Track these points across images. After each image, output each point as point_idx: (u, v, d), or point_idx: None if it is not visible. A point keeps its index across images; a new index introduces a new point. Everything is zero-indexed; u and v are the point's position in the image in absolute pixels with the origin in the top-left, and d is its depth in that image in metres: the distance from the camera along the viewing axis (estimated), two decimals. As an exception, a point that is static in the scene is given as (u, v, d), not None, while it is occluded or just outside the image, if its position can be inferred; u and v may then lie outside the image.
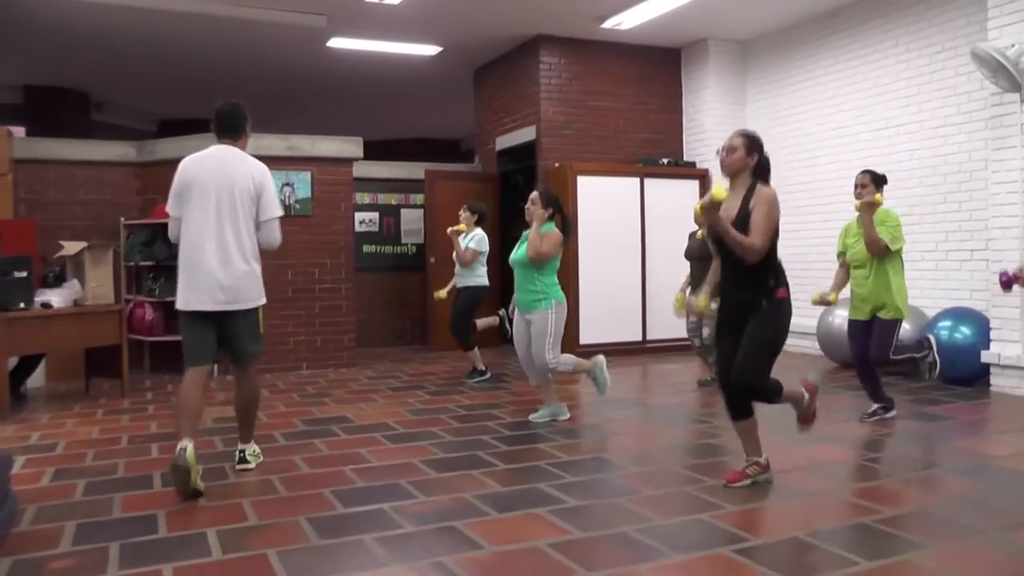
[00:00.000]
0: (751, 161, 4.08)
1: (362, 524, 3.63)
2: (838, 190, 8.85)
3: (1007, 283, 3.80)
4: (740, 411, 4.19)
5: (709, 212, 3.85)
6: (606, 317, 9.39)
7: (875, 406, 5.80)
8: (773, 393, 4.12)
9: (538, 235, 5.72)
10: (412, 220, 10.86)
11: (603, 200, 9.36)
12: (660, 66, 10.49)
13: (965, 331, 7.13)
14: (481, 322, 7.88)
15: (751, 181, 4.08)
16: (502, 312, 8.00)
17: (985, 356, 6.97)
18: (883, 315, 5.61)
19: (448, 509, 3.84)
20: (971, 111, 7.63)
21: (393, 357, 9.67)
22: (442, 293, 7.92)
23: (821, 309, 8.37)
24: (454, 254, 7.71)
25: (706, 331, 7.01)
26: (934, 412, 6.12)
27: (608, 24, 9.27)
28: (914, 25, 8.28)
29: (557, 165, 9.56)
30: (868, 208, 5.54)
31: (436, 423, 5.84)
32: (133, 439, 5.50)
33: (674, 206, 9.22)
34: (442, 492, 4.11)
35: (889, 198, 8.30)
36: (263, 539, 3.46)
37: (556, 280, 5.88)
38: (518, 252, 5.90)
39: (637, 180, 9.68)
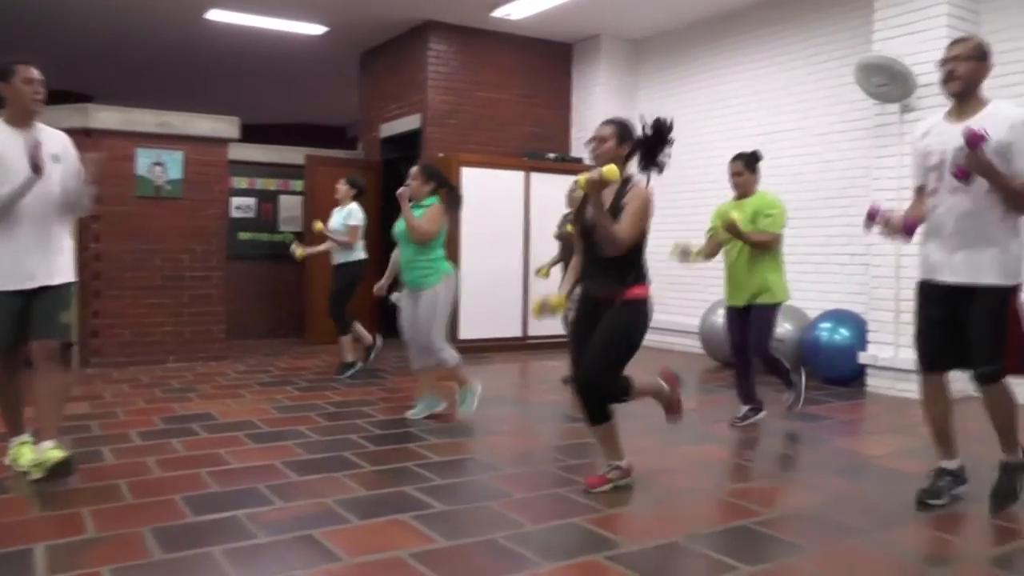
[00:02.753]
0: (623, 151, 3.89)
1: (212, 535, 3.31)
2: (728, 193, 8.84)
3: (871, 216, 3.74)
4: (596, 414, 3.96)
5: (594, 186, 3.63)
6: (487, 312, 9.17)
7: (745, 408, 5.61)
8: (622, 393, 3.93)
9: (412, 217, 5.46)
10: (291, 207, 10.42)
11: (487, 193, 9.12)
12: (551, 60, 10.34)
13: (844, 333, 7.20)
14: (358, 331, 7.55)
15: (625, 175, 3.89)
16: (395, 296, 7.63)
17: (862, 357, 7.06)
18: (762, 300, 5.39)
19: (307, 516, 3.55)
20: (855, 119, 7.74)
21: (267, 350, 9.24)
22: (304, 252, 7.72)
23: (703, 308, 8.39)
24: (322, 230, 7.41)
25: (571, 315, 6.82)
26: (813, 412, 6.12)
27: (498, 13, 9.07)
28: (801, 35, 8.38)
29: (442, 155, 9.29)
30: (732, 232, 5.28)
31: (304, 421, 5.51)
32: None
33: (560, 201, 8.99)
34: (302, 497, 3.82)
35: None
36: (99, 555, 3.08)
37: (443, 253, 5.65)
38: (401, 225, 5.63)
39: (522, 174, 9.49)
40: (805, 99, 8.32)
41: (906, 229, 3.77)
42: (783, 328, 7.56)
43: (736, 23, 9.06)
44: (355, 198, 7.48)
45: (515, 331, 9.40)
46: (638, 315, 3.85)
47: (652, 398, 4.26)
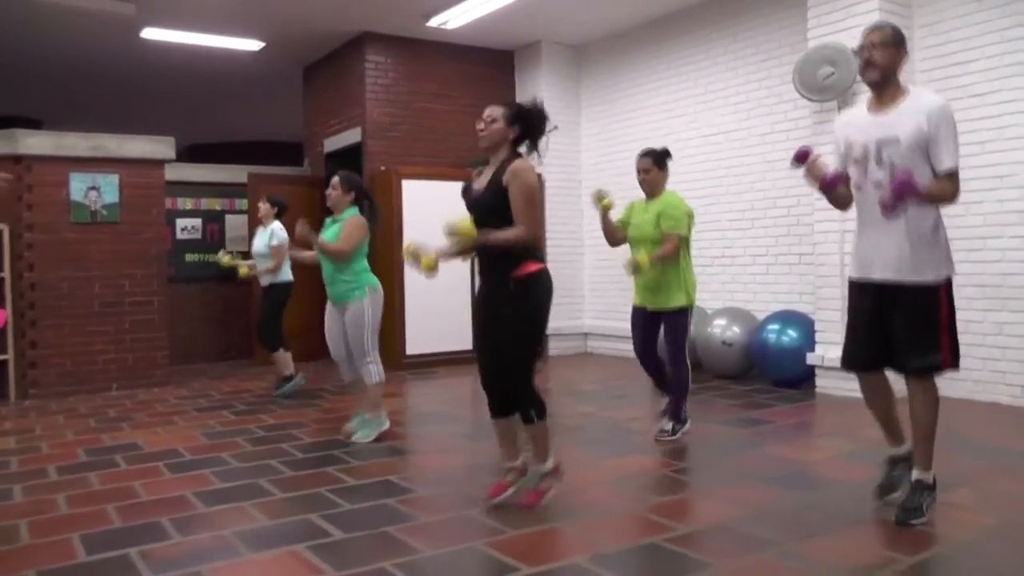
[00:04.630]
0: (511, 133, 3.78)
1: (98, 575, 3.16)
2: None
3: (801, 157, 3.62)
4: (501, 408, 3.86)
5: (456, 245, 3.60)
6: (434, 327, 8.97)
7: (668, 422, 5.34)
8: (534, 405, 3.80)
9: (326, 245, 5.34)
10: (238, 226, 10.23)
11: (430, 205, 8.84)
12: (493, 68, 10.22)
13: (792, 334, 7.11)
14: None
15: (508, 154, 3.77)
16: None
17: (810, 358, 6.98)
18: (671, 306, 5.18)
19: (200, 551, 3.39)
20: (797, 118, 7.67)
21: (213, 373, 9.05)
22: (232, 261, 7.52)
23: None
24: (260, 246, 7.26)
25: None
26: (757, 416, 6.03)
27: (434, 23, 8.94)
28: (742, 34, 8.32)
29: (383, 168, 9.16)
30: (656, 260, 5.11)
31: (229, 447, 5.34)
32: None
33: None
34: (203, 530, 3.66)
35: (721, 204, 8.46)
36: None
37: (367, 266, 5.50)
38: (325, 236, 5.49)
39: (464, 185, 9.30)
40: (748, 99, 8.25)
41: (828, 180, 3.63)
42: (732, 332, 7.49)
43: (676, 26, 8.99)
44: (277, 216, 7.34)
45: (463, 345, 9.19)
46: (535, 295, 3.72)
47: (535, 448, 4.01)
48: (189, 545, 3.47)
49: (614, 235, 5.41)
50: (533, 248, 3.76)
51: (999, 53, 6.36)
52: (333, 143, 10.15)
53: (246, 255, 9.45)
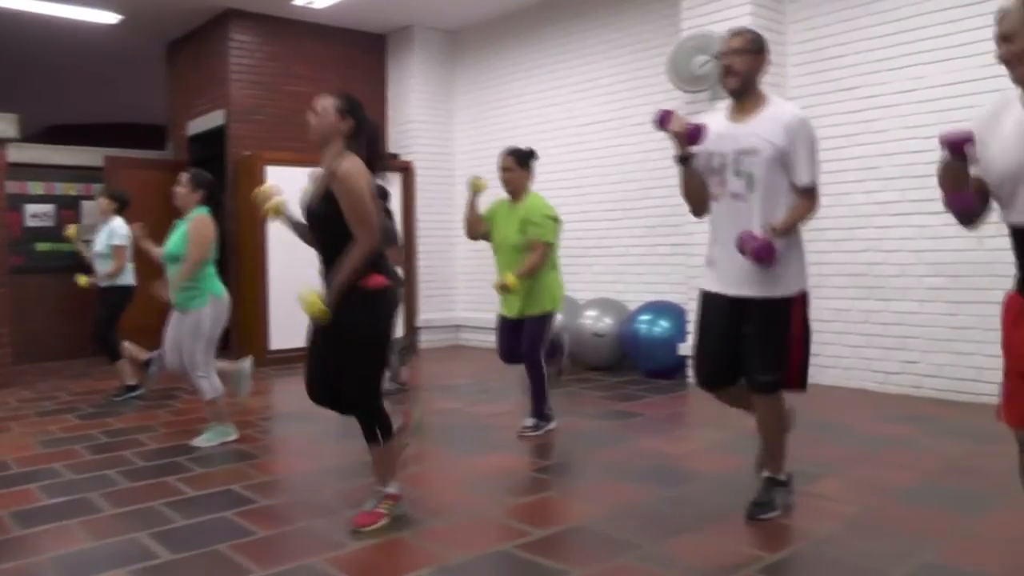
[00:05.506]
0: (344, 126, 3.49)
1: None
2: (546, 184, 8.67)
3: (663, 120, 3.45)
4: (376, 429, 3.55)
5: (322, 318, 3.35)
6: (298, 320, 8.56)
7: (531, 420, 5.24)
8: (379, 423, 3.54)
9: (177, 279, 5.05)
10: (95, 214, 9.63)
11: (296, 192, 8.50)
12: (364, 52, 9.91)
13: (664, 324, 7.08)
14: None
15: (338, 151, 3.47)
16: None
17: (682, 349, 6.94)
18: (532, 311, 5.07)
19: (5, 580, 3.07)
20: (671, 108, 7.59)
21: (68, 372, 8.46)
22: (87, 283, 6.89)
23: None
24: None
25: None
26: (627, 409, 5.95)
27: (300, 1, 8.57)
28: (616, 23, 8.26)
29: (247, 154, 8.75)
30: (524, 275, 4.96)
31: (66, 456, 4.91)
32: None
33: (379, 199, 8.64)
34: (16, 556, 3.28)
35: (595, 193, 8.37)
36: None
37: (213, 271, 5.18)
38: (170, 245, 5.15)
39: (335, 172, 8.98)
40: (622, 88, 8.20)
41: (691, 133, 3.41)
42: (604, 323, 7.41)
43: (551, 13, 8.87)
44: (118, 212, 6.85)
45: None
46: (377, 307, 3.46)
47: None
48: (-6, 574, 3.12)
49: (476, 226, 5.24)
50: (378, 257, 3.48)
51: (866, 49, 6.48)
52: (197, 126, 9.66)
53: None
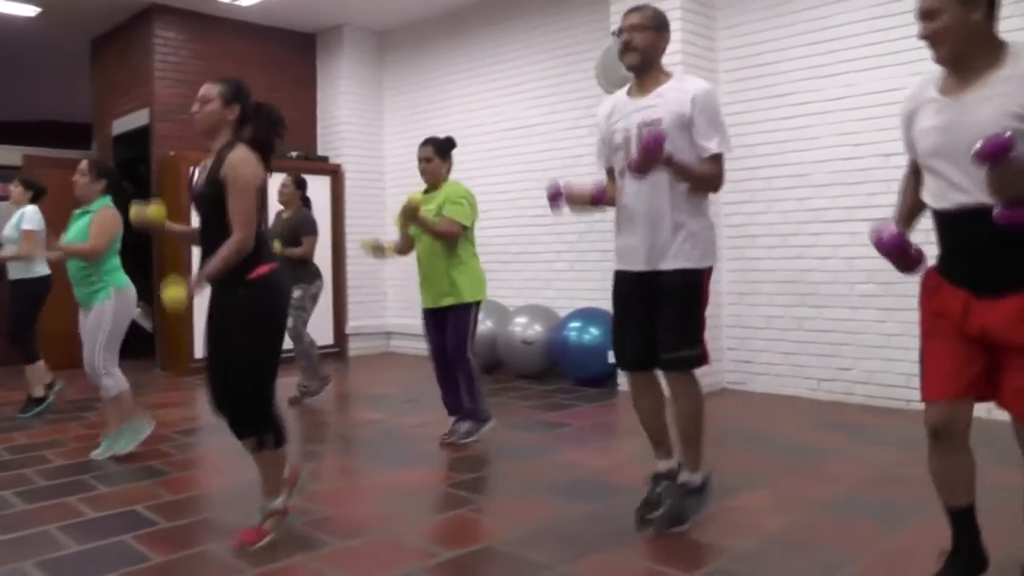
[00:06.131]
0: (230, 115, 3.32)
1: None
2: (475, 189, 8.53)
3: (553, 197, 3.38)
4: (260, 436, 3.35)
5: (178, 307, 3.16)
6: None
7: (464, 424, 5.10)
8: (271, 429, 3.37)
9: (70, 247, 4.81)
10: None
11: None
12: (293, 52, 9.71)
13: (594, 331, 6.98)
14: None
15: (228, 140, 3.32)
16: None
17: (612, 356, 6.80)
18: (452, 301, 4.95)
19: None
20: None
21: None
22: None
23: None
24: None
25: (289, 322, 6.26)
26: (555, 419, 5.85)
27: (226, -2, 8.35)
28: (546, 26, 8.19)
29: (173, 154, 8.49)
30: (409, 216, 4.79)
31: (-40, 476, 4.64)
32: None
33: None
34: None
35: (525, 199, 8.27)
36: None
37: (118, 264, 4.97)
38: (69, 237, 4.93)
39: (260, 173, 8.72)
40: (552, 93, 8.14)
41: (595, 199, 3.45)
42: (533, 330, 7.29)
43: (480, 16, 8.78)
44: (33, 200, 6.51)
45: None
46: (266, 297, 3.31)
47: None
48: None
49: (408, 245, 5.15)
50: (261, 246, 3.33)
51: (799, 56, 6.49)
52: (122, 124, 9.36)
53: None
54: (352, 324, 9.51)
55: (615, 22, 6.83)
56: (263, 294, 3.29)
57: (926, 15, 2.37)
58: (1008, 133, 2.18)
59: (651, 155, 3.14)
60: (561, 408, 6.21)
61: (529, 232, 8.28)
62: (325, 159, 9.42)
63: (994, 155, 2.14)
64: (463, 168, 8.85)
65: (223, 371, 3.30)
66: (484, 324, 7.48)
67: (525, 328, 7.37)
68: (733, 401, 6.31)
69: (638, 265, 3.44)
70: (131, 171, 9.40)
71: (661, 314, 3.38)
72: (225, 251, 3.19)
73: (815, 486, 4.13)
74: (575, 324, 7.08)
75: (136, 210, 3.61)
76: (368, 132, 9.78)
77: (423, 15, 9.20)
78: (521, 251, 8.32)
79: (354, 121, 9.66)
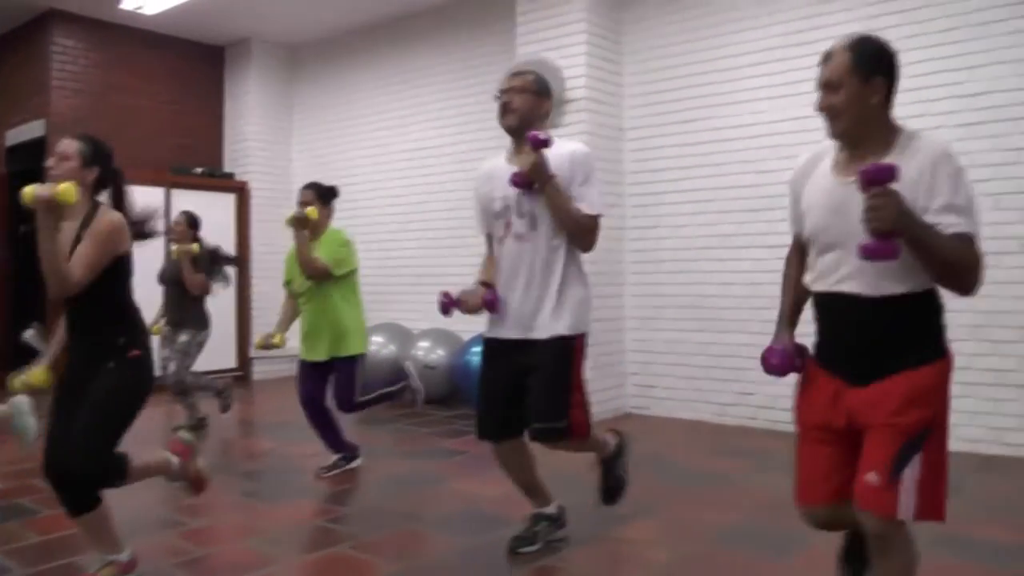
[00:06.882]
0: (88, 175, 3.11)
1: None
2: (377, 212, 8.62)
3: (446, 306, 3.28)
4: (82, 502, 3.07)
5: (42, 204, 2.83)
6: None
7: (335, 457, 5.05)
8: (119, 476, 3.13)
9: None
10: None
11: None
12: (200, 64, 9.50)
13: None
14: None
15: (90, 204, 3.11)
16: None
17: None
18: (341, 352, 4.88)
19: None
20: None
21: None
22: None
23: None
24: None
25: (172, 366, 6.11)
26: (451, 446, 5.74)
27: (127, 5, 8.11)
28: (452, 47, 8.18)
29: (67, 167, 8.16)
30: (297, 224, 4.75)
31: None
32: None
33: (209, 221, 7.99)
34: None
35: (430, 220, 8.18)
36: None
37: None
38: None
39: (163, 190, 8.50)
40: (459, 113, 8.10)
41: (487, 303, 3.36)
42: (436, 355, 7.17)
43: (388, 35, 8.71)
44: None
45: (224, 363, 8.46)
46: (137, 379, 3.12)
47: (167, 477, 3.51)
48: None
49: (293, 313, 5.20)
50: (140, 333, 3.18)
51: (704, 83, 6.55)
52: (16, 135, 8.97)
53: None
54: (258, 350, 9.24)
55: (522, 44, 6.88)
56: (131, 373, 3.09)
57: (827, 86, 2.30)
58: (890, 161, 2.15)
59: (537, 168, 3.14)
60: (460, 435, 6.08)
61: (434, 255, 8.19)
62: (231, 176, 9.20)
63: (876, 180, 2.08)
64: (370, 189, 8.78)
65: (77, 439, 3.00)
66: (388, 348, 7.36)
67: (428, 352, 7.24)
68: (636, 426, 6.26)
69: (510, 333, 3.36)
70: (25, 184, 9.01)
71: (533, 382, 3.29)
72: (55, 266, 2.87)
73: (709, 514, 4.08)
74: (478, 348, 6.93)
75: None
76: (276, 149, 9.61)
77: (333, 30, 9.09)
78: (425, 274, 8.22)
79: (262, 137, 9.47)
